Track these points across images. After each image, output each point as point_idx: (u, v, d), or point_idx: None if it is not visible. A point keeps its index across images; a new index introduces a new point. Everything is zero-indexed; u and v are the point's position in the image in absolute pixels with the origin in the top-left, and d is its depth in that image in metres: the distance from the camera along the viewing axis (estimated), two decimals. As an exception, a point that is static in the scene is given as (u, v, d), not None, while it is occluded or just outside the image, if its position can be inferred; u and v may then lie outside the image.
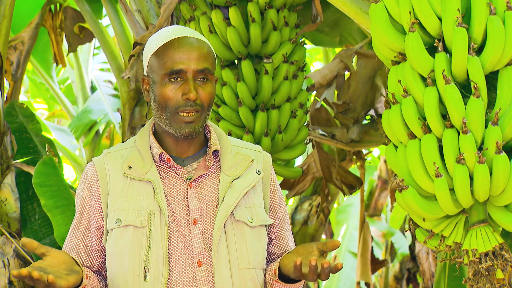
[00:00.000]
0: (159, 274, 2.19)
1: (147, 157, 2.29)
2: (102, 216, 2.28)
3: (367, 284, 6.85)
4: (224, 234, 2.24)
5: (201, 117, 2.25)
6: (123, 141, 4.90)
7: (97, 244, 2.30)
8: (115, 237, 2.23)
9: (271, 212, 2.38)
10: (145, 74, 2.32)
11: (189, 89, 2.21)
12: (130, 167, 2.27)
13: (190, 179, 2.28)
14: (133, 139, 2.36)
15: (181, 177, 2.28)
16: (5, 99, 4.59)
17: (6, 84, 5.11)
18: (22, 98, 9.35)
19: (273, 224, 2.38)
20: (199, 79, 2.24)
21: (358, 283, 6.71)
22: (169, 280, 2.20)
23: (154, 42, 2.29)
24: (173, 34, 2.27)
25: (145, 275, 2.19)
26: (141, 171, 2.26)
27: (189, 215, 2.24)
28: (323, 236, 8.93)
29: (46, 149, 4.21)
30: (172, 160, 2.28)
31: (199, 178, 2.28)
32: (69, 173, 10.29)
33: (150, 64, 2.28)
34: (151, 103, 2.30)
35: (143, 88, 2.33)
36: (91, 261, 2.31)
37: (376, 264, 7.21)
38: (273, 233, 2.39)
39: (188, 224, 2.24)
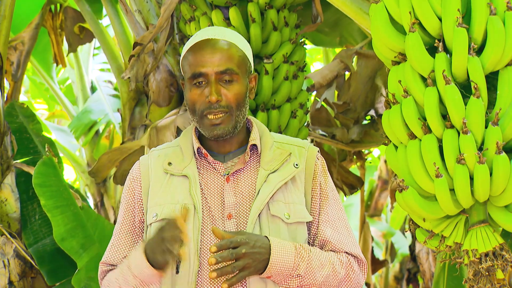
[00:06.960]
0: (190, 267, 2.19)
1: (187, 153, 2.32)
2: (143, 211, 2.33)
3: (367, 284, 6.84)
4: (259, 229, 2.21)
5: (231, 118, 2.26)
6: (123, 142, 4.90)
7: (141, 238, 2.33)
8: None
9: (312, 208, 2.32)
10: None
11: (210, 91, 2.23)
12: (170, 164, 2.32)
13: (228, 174, 2.29)
14: (179, 137, 2.41)
15: (219, 172, 2.30)
16: (5, 99, 4.59)
17: (6, 84, 5.11)
18: (22, 98, 9.34)
19: (313, 220, 2.33)
20: (224, 81, 2.25)
21: (358, 283, 6.70)
22: (199, 274, 2.20)
23: (185, 47, 2.34)
24: (198, 37, 2.30)
25: (177, 268, 2.20)
26: (180, 166, 2.30)
27: (224, 210, 2.25)
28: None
29: (46, 149, 4.21)
30: (209, 155, 2.30)
31: (236, 173, 2.29)
32: (69, 173, 10.29)
33: (182, 68, 2.34)
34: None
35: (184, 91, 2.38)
36: None
37: (376, 264, 7.21)
38: (313, 228, 2.33)
39: (223, 219, 2.24)
